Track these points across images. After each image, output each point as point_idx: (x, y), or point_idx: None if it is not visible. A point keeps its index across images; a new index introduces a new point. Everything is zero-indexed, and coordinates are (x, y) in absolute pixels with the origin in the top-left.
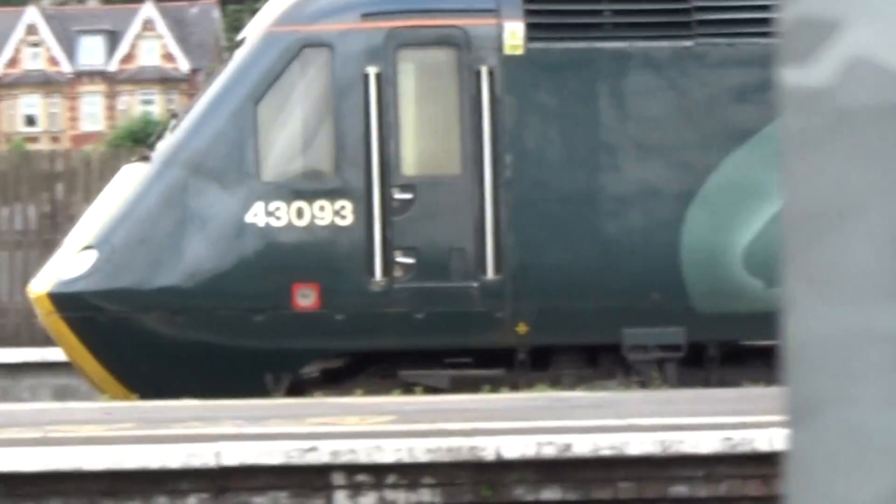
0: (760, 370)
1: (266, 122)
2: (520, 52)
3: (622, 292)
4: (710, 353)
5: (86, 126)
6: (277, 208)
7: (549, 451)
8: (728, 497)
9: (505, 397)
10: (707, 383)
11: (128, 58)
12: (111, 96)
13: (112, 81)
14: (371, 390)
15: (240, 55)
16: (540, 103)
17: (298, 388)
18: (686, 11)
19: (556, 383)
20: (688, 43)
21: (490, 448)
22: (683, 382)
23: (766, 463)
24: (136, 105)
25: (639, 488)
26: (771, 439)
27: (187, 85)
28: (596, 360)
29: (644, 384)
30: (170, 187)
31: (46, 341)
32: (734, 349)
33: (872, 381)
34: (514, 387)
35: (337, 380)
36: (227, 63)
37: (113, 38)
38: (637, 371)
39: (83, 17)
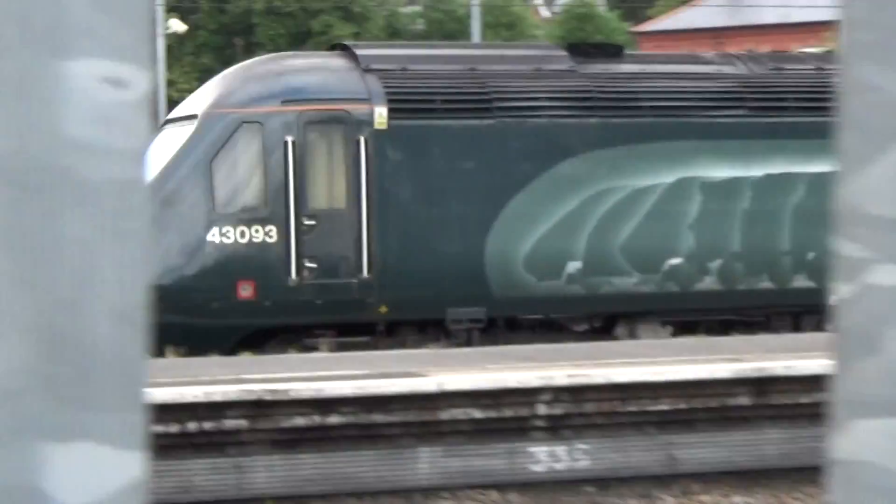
0: (530, 334)
1: (216, 174)
2: (384, 126)
3: (446, 285)
4: (500, 324)
5: None
6: (229, 230)
7: None
8: None
9: None
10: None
11: None
12: None
13: None
14: (280, 351)
15: (195, 127)
16: (397, 161)
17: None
18: (488, 101)
19: (402, 345)
20: (490, 121)
21: None
22: (485, 343)
23: None
24: None
25: None
26: None
27: None
28: (427, 329)
29: (461, 345)
30: None
31: None
32: (515, 321)
33: None
34: (375, 347)
35: (258, 345)
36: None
37: None
38: (455, 336)
39: None
